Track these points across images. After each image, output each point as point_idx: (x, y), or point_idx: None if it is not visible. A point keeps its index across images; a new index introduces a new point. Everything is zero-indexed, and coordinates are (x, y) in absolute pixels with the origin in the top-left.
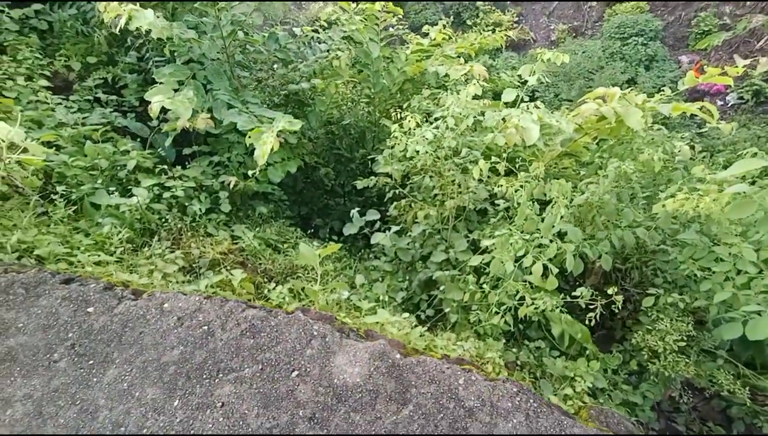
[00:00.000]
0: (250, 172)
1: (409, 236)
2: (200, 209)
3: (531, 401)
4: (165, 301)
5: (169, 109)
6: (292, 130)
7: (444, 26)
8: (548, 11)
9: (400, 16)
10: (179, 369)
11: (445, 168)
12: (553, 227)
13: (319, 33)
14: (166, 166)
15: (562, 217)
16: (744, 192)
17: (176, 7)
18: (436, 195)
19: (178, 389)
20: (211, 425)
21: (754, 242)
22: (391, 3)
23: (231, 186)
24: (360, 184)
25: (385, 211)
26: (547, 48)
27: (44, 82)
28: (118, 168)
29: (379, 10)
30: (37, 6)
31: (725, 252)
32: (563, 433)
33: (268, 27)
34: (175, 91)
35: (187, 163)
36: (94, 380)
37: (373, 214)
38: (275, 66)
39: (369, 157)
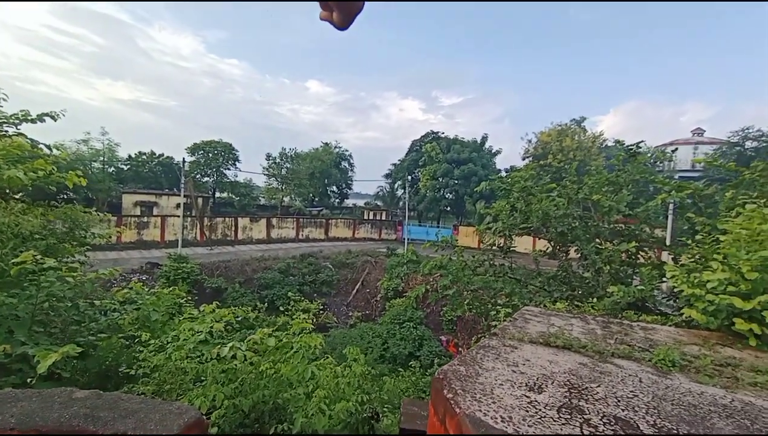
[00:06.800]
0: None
1: None
2: None
3: None
4: None
5: None
6: (74, 352)
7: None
8: (346, 302)
9: (189, 298)
10: None
11: None
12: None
13: (116, 305)
14: None
15: None
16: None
17: (6, 280)
18: None
19: None
20: None
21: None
22: (176, 288)
23: None
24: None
25: None
26: (346, 328)
27: None
28: None
29: (167, 294)
30: None
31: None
32: None
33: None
34: None
35: None
36: None
37: None
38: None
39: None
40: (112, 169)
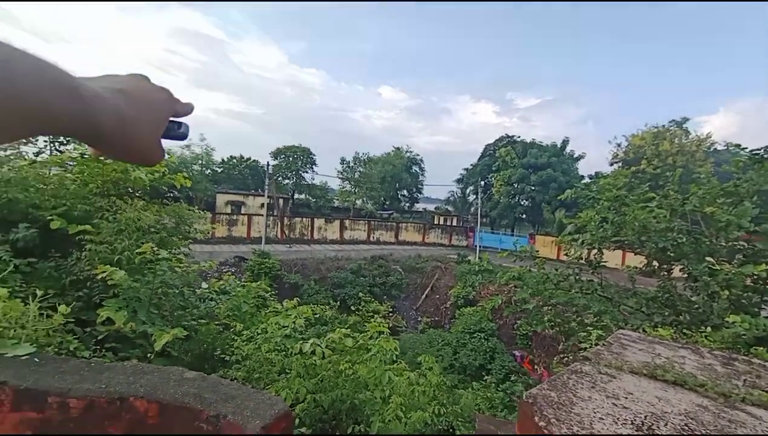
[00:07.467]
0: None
1: None
2: None
3: None
4: None
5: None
6: (181, 335)
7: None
8: (416, 306)
9: (271, 292)
10: None
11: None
12: None
13: (213, 295)
14: None
15: None
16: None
17: (132, 267)
18: None
19: None
20: None
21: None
22: (261, 283)
23: None
24: None
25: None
26: (416, 333)
27: None
28: None
29: (254, 287)
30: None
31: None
32: None
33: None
34: (116, 311)
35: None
36: None
37: None
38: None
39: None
40: (209, 171)
